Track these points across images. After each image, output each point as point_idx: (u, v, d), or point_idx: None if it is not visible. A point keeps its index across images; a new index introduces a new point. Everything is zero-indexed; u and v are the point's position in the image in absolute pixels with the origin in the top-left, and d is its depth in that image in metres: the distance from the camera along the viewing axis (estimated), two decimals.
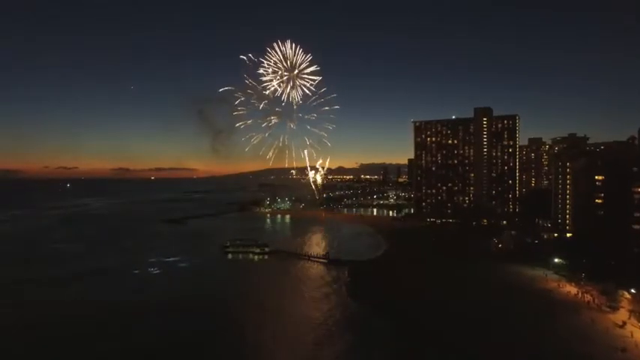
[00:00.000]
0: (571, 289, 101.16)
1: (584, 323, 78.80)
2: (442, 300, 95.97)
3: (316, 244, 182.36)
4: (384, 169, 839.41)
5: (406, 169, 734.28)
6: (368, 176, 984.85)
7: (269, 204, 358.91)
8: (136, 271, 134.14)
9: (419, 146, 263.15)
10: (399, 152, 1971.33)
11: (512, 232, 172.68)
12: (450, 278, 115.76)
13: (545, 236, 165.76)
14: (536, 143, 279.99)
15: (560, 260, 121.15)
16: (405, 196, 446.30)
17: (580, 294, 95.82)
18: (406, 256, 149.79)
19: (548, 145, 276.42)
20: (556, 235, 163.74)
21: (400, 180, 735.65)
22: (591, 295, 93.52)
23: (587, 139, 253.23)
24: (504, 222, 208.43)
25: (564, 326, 77.94)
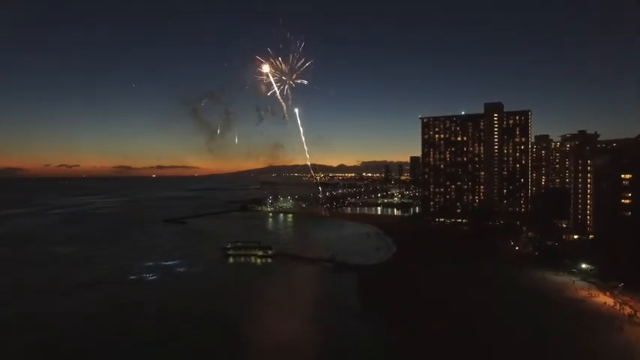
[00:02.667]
0: (605, 299, 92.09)
1: (633, 343, 69.73)
2: (464, 310, 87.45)
3: (321, 246, 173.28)
4: (385, 166, 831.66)
5: (408, 167, 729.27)
6: (369, 174, 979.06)
7: (271, 203, 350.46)
8: (132, 277, 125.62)
9: (426, 143, 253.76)
10: (401, 150, 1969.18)
11: (529, 234, 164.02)
12: (469, 285, 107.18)
13: (564, 237, 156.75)
14: (544, 141, 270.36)
15: (587, 266, 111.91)
16: (409, 194, 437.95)
17: (617, 305, 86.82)
18: (417, 260, 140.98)
19: (558, 142, 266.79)
20: (576, 236, 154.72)
21: (403, 178, 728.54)
22: (631, 307, 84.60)
23: (598, 136, 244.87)
24: (517, 222, 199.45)
25: (610, 346, 69.05)
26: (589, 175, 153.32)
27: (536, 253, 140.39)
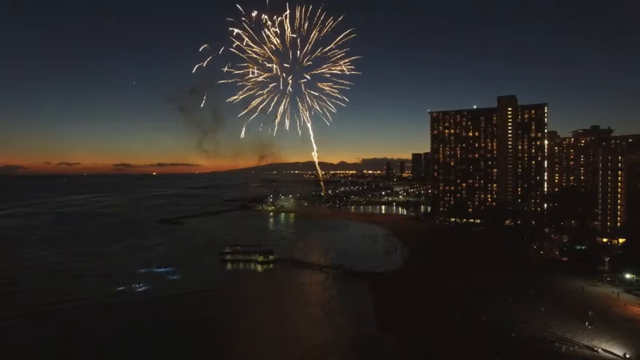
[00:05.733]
0: None
1: None
2: (503, 327, 75.10)
3: (326, 250, 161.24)
4: (386, 164, 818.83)
5: (409, 164, 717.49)
6: (370, 171, 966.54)
7: (272, 201, 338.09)
8: (121, 288, 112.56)
9: (436, 139, 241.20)
10: (402, 147, 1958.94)
11: (552, 236, 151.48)
12: (495, 296, 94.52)
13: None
14: (553, 137, 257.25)
15: (632, 275, 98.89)
16: (414, 192, 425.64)
17: None
18: (434, 266, 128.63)
19: (569, 138, 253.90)
20: (605, 239, 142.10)
21: (404, 175, 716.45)
22: None
23: (612, 131, 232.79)
24: (532, 222, 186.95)
25: None
26: (620, 172, 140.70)
27: (564, 259, 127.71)
